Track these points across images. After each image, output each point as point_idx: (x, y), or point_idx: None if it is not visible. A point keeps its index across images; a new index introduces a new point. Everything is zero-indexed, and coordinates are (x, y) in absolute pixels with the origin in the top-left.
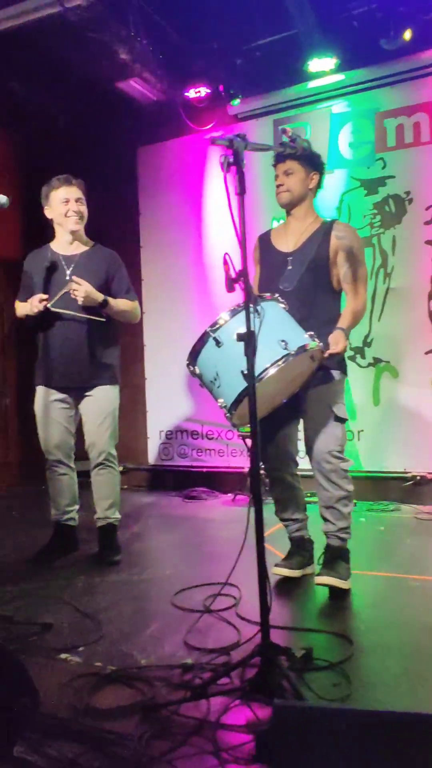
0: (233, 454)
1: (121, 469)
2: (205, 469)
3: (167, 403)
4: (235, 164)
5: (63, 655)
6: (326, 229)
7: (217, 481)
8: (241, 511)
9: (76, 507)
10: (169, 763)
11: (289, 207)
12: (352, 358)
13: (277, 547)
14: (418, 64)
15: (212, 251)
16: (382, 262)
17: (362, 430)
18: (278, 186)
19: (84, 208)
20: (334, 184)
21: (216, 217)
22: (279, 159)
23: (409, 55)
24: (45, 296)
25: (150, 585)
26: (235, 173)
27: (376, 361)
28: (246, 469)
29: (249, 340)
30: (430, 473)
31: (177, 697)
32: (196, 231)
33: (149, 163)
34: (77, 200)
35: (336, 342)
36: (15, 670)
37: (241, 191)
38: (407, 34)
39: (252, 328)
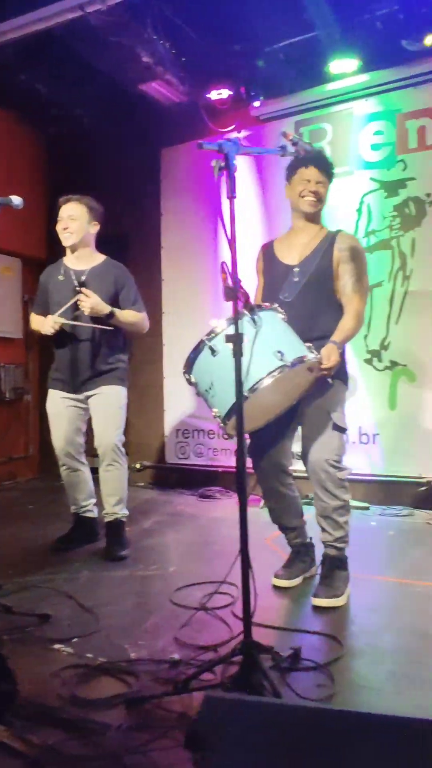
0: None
1: (138, 466)
2: (221, 469)
3: (185, 403)
4: (226, 168)
5: (57, 646)
6: (330, 240)
7: (232, 480)
8: (253, 511)
9: (93, 501)
10: (145, 755)
11: (312, 217)
12: (369, 361)
13: (282, 548)
14: (425, 70)
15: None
16: (401, 264)
17: (378, 434)
18: (313, 192)
19: (76, 225)
20: (354, 185)
21: (240, 218)
22: (305, 163)
23: (430, 57)
24: (59, 321)
25: (152, 581)
26: (227, 177)
27: (393, 364)
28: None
29: (237, 344)
30: None
31: (161, 690)
32: (216, 232)
33: (172, 164)
34: (69, 217)
35: (328, 356)
36: None
37: (232, 195)
38: (428, 40)
39: (241, 333)
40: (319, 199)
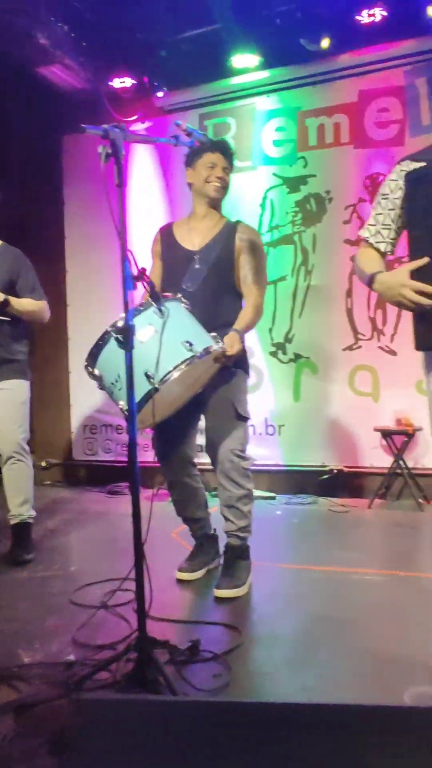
0: None
1: (43, 464)
2: None
3: (92, 398)
4: (113, 155)
5: None
6: (231, 229)
7: (141, 475)
8: (161, 505)
9: None
10: (32, 762)
11: (216, 203)
12: (274, 354)
13: (189, 542)
14: (338, 66)
15: (138, 242)
16: (303, 259)
17: (283, 425)
18: (219, 178)
19: None
20: (257, 180)
21: (141, 207)
22: (212, 148)
23: (329, 57)
24: None
25: (53, 582)
26: (115, 165)
27: (297, 356)
28: None
29: (127, 336)
30: (347, 467)
31: (55, 694)
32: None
33: (74, 152)
34: None
35: (231, 344)
36: None
37: (120, 183)
38: (325, 42)
39: (132, 325)
40: (224, 186)
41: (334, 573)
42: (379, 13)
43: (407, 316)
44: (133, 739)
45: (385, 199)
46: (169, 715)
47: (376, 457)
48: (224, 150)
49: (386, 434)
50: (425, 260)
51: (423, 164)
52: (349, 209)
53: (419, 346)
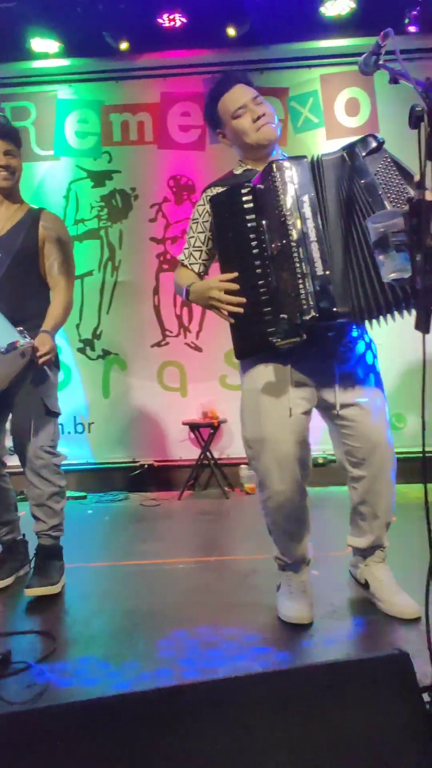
0: None
1: None
2: None
3: None
4: None
5: None
6: (34, 217)
7: None
8: None
9: None
10: None
11: (7, 193)
12: (82, 351)
13: None
14: (140, 65)
15: None
16: (110, 255)
17: (93, 423)
18: (3, 167)
19: None
20: (61, 171)
21: None
22: None
23: (131, 55)
24: None
25: None
26: None
27: (106, 353)
28: None
29: None
30: (157, 461)
31: None
32: None
33: None
34: None
35: (42, 344)
36: None
37: None
38: (123, 45)
39: None
40: (12, 173)
41: (146, 566)
42: (179, 19)
43: (211, 314)
44: None
45: (195, 223)
46: None
47: (185, 450)
48: (7, 133)
49: (194, 427)
50: (234, 275)
51: (224, 188)
52: (154, 207)
53: (238, 356)
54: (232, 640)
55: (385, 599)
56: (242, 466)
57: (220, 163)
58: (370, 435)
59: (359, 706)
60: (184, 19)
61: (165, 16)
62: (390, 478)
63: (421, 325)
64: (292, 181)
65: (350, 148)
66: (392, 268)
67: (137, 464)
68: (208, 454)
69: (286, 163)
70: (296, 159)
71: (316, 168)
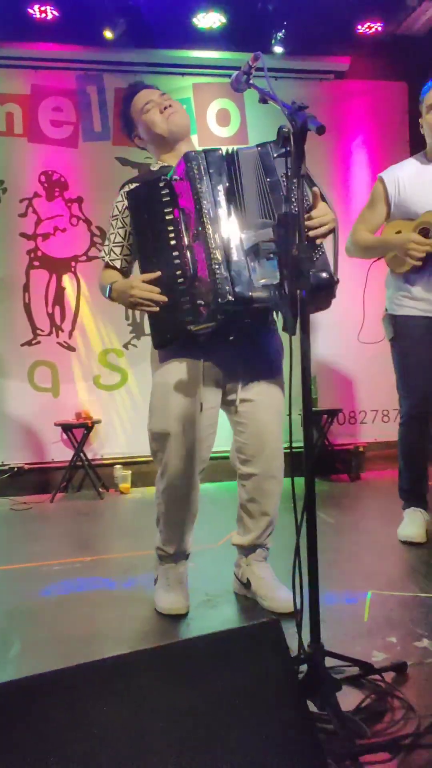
0: None
1: None
2: None
3: None
4: None
5: None
6: None
7: None
8: None
9: None
10: None
11: None
12: None
13: None
14: (8, 54)
15: None
16: None
17: None
18: None
19: None
20: None
21: None
22: None
23: (1, 43)
24: None
25: None
26: None
27: None
28: None
29: None
30: (28, 464)
31: None
32: None
33: None
34: None
35: None
36: None
37: None
38: None
39: None
40: None
41: (21, 569)
42: (50, 12)
43: (84, 313)
44: None
45: (115, 219)
46: None
47: (58, 452)
48: None
49: (67, 428)
50: (158, 274)
51: (138, 184)
52: (24, 202)
53: (156, 345)
54: (108, 634)
55: (265, 596)
56: (116, 466)
57: (93, 161)
58: (261, 433)
59: (237, 669)
60: (56, 12)
61: (36, 7)
62: (278, 477)
63: (288, 328)
64: (207, 171)
65: (264, 146)
66: (262, 275)
67: (7, 467)
68: (81, 455)
69: (201, 154)
70: (211, 150)
71: (230, 159)
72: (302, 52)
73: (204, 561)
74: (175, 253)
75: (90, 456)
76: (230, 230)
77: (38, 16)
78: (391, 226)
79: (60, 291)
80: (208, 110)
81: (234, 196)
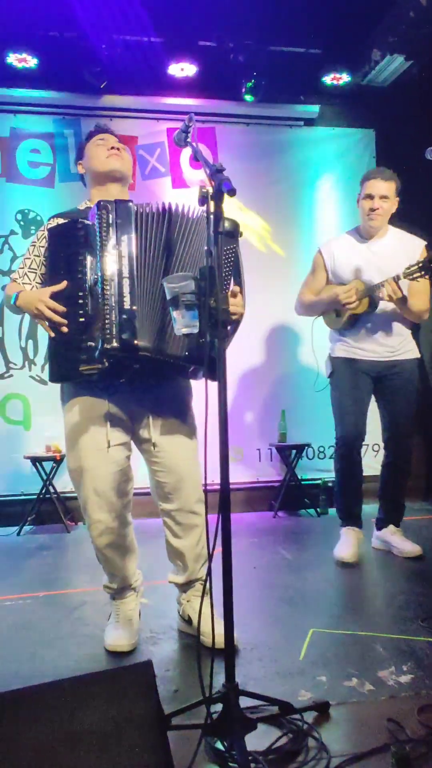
0: None
1: None
2: None
3: None
4: None
5: None
6: None
7: None
8: None
9: None
10: None
11: None
12: None
13: None
14: None
15: None
16: None
17: None
18: None
19: None
20: None
21: None
22: None
23: None
24: None
25: None
26: None
27: None
28: None
29: None
30: None
31: None
32: None
33: None
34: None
35: None
36: None
37: None
38: None
39: None
40: None
41: None
42: (30, 60)
43: None
44: None
45: (33, 246)
46: None
47: (27, 484)
48: None
49: (36, 461)
50: (64, 284)
51: (64, 221)
52: (0, 240)
53: (52, 379)
54: (46, 671)
55: (205, 632)
56: None
57: (69, 200)
58: (176, 470)
59: (98, 711)
60: (36, 60)
61: (14, 55)
62: (198, 512)
63: (207, 374)
64: (115, 222)
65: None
66: (183, 324)
67: None
68: (50, 487)
69: (111, 205)
70: (123, 202)
71: (139, 214)
72: (272, 100)
73: (155, 597)
74: (80, 293)
75: (60, 488)
76: (129, 278)
77: (17, 64)
78: (327, 289)
79: (33, 325)
80: (182, 154)
81: (136, 248)
